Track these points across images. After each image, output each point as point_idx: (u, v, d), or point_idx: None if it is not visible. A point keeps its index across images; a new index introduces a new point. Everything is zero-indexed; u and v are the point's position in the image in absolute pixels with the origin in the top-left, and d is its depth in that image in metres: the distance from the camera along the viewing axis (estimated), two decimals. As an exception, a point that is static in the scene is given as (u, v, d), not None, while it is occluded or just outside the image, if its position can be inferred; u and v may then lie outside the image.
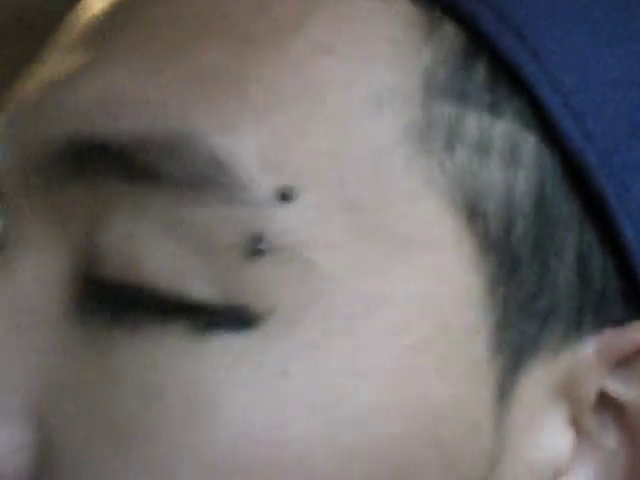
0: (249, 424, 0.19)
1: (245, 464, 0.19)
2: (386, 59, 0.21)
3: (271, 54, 0.20)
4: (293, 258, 0.20)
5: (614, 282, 0.23)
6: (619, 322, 0.23)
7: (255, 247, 0.19)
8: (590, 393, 0.23)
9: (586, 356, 0.22)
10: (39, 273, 0.22)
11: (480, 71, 0.22)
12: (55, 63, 0.23)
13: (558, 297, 0.22)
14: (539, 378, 0.22)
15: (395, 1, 0.22)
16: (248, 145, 0.20)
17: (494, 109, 0.21)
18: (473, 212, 0.21)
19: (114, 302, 0.20)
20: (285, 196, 0.20)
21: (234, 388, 0.19)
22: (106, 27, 0.22)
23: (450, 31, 0.22)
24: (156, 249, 0.20)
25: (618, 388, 0.23)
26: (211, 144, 0.19)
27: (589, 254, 0.22)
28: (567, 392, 0.23)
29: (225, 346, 0.20)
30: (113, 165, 0.20)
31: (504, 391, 0.22)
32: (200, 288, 0.19)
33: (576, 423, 0.23)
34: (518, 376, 0.22)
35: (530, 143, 0.22)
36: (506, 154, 0.21)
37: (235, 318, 0.19)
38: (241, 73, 0.20)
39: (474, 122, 0.21)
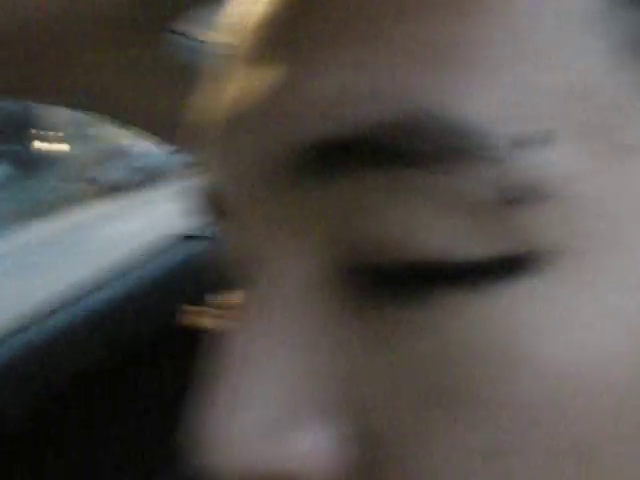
0: (571, 362, 0.20)
1: (568, 401, 0.20)
2: None
3: (475, 17, 0.20)
4: (556, 199, 0.20)
5: None
6: None
7: (515, 196, 0.20)
8: None
9: None
10: (304, 279, 0.22)
11: None
12: (256, 74, 0.23)
13: None
14: None
15: None
16: (485, 106, 0.20)
17: None
18: None
19: (396, 284, 0.21)
20: (531, 141, 0.20)
21: (542, 331, 0.20)
22: (295, 28, 0.23)
23: None
24: (427, 224, 0.20)
25: None
26: (451, 115, 0.20)
27: None
28: None
29: (519, 293, 0.20)
30: (360, 158, 0.21)
31: None
32: (476, 248, 0.20)
33: None
34: None
35: None
36: None
37: (513, 266, 0.20)
38: (456, 40, 0.20)
39: None
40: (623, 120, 0.21)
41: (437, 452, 0.20)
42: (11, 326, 1.36)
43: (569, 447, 0.20)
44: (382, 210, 0.21)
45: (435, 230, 0.20)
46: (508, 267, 0.20)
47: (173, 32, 0.54)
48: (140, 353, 1.26)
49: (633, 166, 0.21)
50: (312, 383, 0.22)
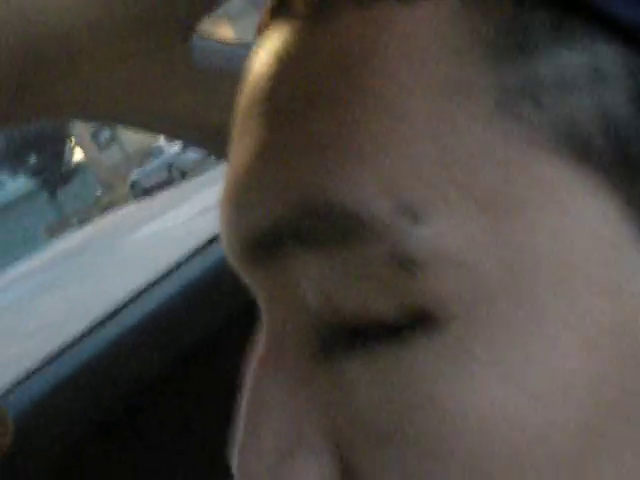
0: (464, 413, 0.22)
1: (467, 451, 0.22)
2: (445, 55, 0.22)
3: (353, 106, 0.23)
4: (447, 266, 0.21)
5: None
6: None
7: (407, 266, 0.22)
8: None
9: None
10: (287, 336, 0.26)
11: (540, 16, 0.22)
12: (251, 141, 0.26)
13: None
14: None
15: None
16: (369, 188, 0.22)
17: (563, 43, 0.22)
18: (583, 149, 0.22)
19: (335, 344, 0.24)
20: (416, 215, 0.21)
21: (444, 390, 0.22)
22: (267, 102, 0.25)
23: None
24: (343, 291, 0.23)
25: None
26: (338, 199, 0.22)
27: None
28: None
29: (422, 354, 0.22)
30: (284, 242, 0.24)
31: None
32: (385, 309, 0.22)
33: None
34: None
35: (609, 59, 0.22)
36: (589, 79, 0.22)
37: (423, 324, 0.22)
38: (338, 131, 0.23)
39: (549, 66, 0.22)
40: (507, 176, 0.22)
41: None
42: (68, 338, 1.37)
43: None
44: (313, 282, 0.24)
45: (351, 296, 0.23)
46: (411, 328, 0.22)
47: (197, 34, 0.52)
48: (198, 354, 1.26)
49: (519, 224, 0.22)
50: (301, 426, 0.25)
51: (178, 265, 1.35)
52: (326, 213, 0.22)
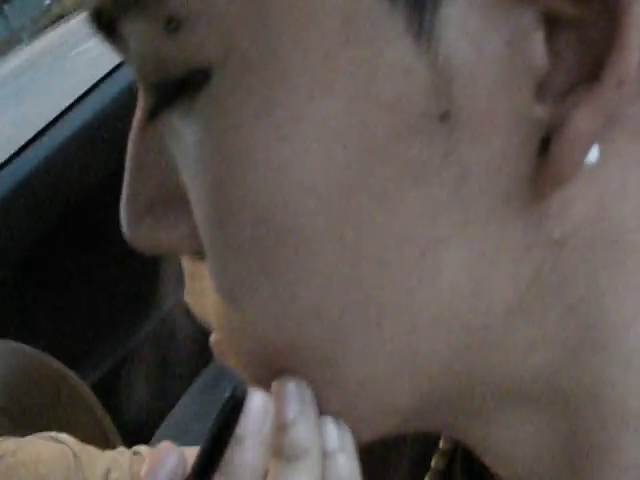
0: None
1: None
2: None
3: None
4: (202, 23, 0.24)
5: None
6: None
7: (174, 23, 0.24)
8: None
9: None
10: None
11: None
12: None
13: None
14: None
15: None
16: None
17: None
18: None
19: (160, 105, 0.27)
20: None
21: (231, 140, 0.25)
22: None
23: None
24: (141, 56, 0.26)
25: None
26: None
27: None
28: None
29: (205, 104, 0.25)
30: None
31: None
32: (177, 70, 0.25)
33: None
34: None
35: None
36: None
37: (201, 81, 0.25)
38: None
39: None
40: None
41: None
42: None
43: (284, 244, 0.25)
44: (138, 43, 0.26)
45: (143, 59, 0.26)
46: (197, 85, 0.25)
47: None
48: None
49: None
50: (168, 181, 0.29)
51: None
52: None
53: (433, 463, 0.37)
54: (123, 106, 1.27)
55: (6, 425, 0.65)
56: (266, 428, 0.28)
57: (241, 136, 0.24)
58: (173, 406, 1.33)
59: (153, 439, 1.23)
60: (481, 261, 0.25)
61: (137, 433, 1.05)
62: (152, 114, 0.27)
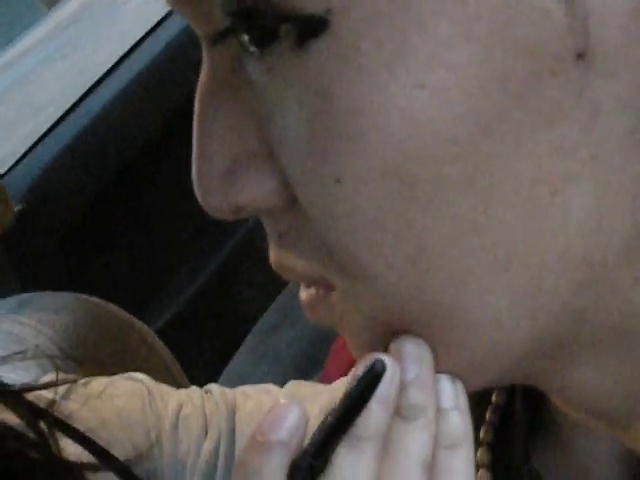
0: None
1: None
2: None
3: None
4: None
5: None
6: None
7: None
8: None
9: None
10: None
11: None
12: None
13: None
14: None
15: None
16: None
17: None
18: None
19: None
20: None
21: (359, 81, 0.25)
22: None
23: None
24: None
25: None
26: None
27: None
28: None
29: (324, 52, 0.24)
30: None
31: None
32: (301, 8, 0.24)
33: None
34: None
35: None
36: None
37: (320, 31, 0.24)
38: None
39: None
40: None
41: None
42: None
43: (410, 182, 0.25)
44: None
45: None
46: (313, 35, 0.24)
47: None
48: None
49: None
50: (246, 141, 0.28)
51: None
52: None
53: (494, 398, 0.38)
54: (174, 55, 1.26)
55: (79, 374, 0.67)
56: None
57: (373, 86, 0.24)
58: (234, 352, 1.35)
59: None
60: (606, 196, 0.26)
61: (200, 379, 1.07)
62: (247, 58, 0.27)
